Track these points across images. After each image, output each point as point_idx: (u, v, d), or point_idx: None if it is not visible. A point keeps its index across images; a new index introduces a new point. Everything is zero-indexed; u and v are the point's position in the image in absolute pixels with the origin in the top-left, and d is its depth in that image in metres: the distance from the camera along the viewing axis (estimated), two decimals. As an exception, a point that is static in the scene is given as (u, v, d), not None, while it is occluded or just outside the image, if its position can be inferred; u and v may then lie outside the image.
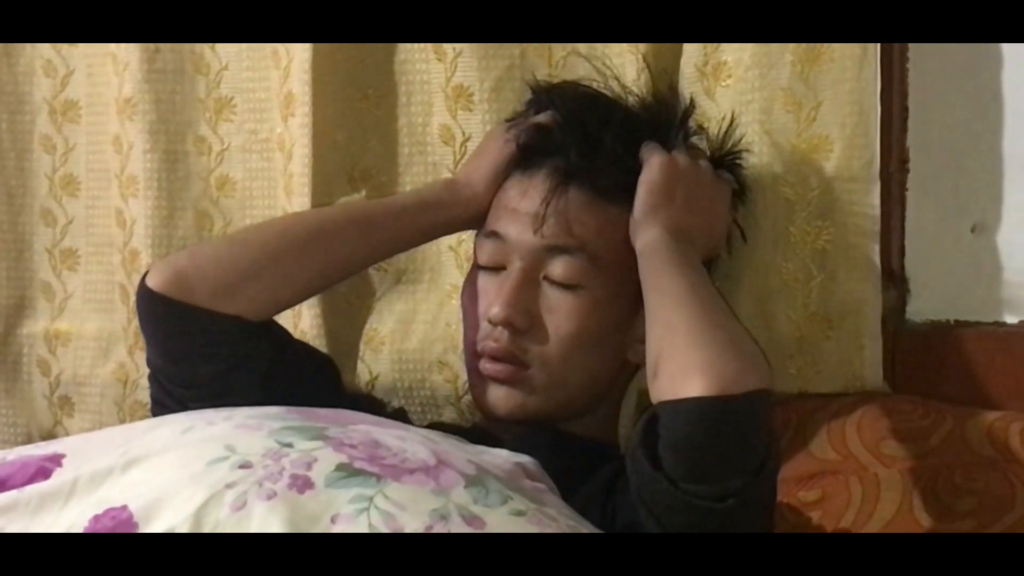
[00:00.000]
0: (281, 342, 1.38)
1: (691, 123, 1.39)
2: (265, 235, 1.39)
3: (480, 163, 1.40)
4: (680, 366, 1.14)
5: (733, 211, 1.41)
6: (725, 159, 1.40)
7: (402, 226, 1.40)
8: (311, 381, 1.36)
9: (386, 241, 1.41)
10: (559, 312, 1.32)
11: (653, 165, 1.32)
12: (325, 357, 1.47)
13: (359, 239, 1.39)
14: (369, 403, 1.42)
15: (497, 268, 1.35)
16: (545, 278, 1.33)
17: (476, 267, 1.39)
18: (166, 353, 1.34)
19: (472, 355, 1.36)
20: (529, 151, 1.37)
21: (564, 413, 1.35)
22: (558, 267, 1.32)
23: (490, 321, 1.33)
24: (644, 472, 1.13)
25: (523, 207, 1.34)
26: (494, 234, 1.36)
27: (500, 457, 1.13)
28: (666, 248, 1.27)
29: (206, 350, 1.32)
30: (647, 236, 1.28)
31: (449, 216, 1.40)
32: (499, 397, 1.34)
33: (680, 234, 1.28)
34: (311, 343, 1.57)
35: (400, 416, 1.45)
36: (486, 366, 1.34)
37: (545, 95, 1.41)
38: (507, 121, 1.44)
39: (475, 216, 1.39)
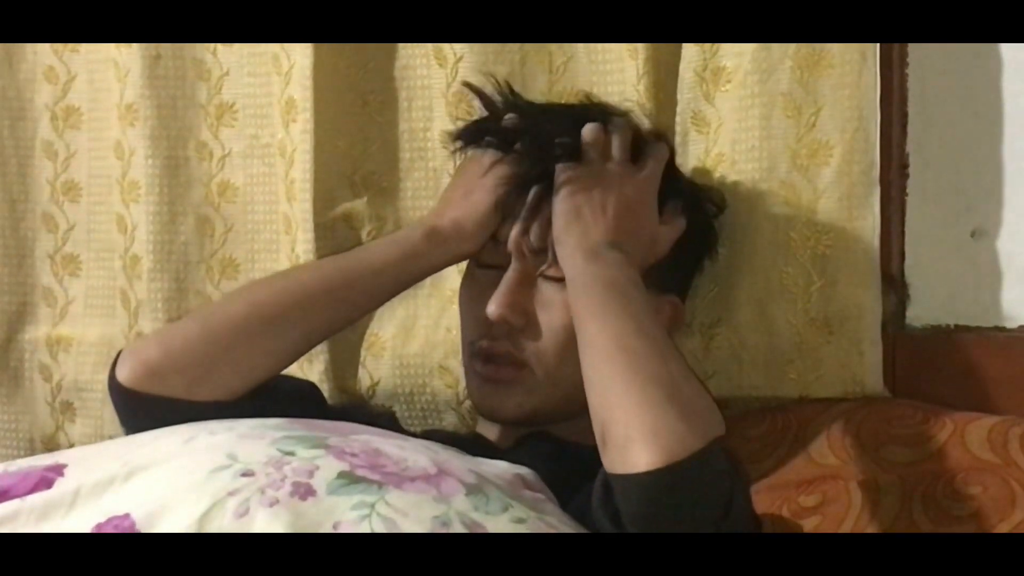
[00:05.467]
0: (260, 395, 1.33)
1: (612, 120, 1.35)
2: (236, 312, 1.32)
3: (469, 209, 1.34)
4: (623, 437, 1.11)
5: (711, 257, 1.43)
6: (702, 206, 1.41)
7: (382, 283, 1.35)
8: (294, 413, 1.28)
9: (366, 301, 1.37)
10: (553, 306, 1.32)
11: (557, 187, 1.30)
12: (306, 384, 1.44)
13: (337, 305, 1.34)
14: (356, 413, 1.41)
15: (495, 267, 1.35)
16: (540, 275, 1.33)
17: (474, 265, 1.39)
18: None
19: (469, 355, 1.37)
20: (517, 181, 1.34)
21: (561, 412, 1.34)
22: (550, 268, 1.33)
23: (487, 319, 1.33)
24: (607, 531, 1.12)
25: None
26: (494, 238, 1.36)
27: (499, 467, 1.14)
28: (584, 278, 1.24)
29: None
30: (566, 266, 1.27)
31: (432, 264, 1.37)
32: (496, 398, 1.35)
33: (598, 252, 1.26)
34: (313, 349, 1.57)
35: (388, 418, 1.46)
36: (483, 367, 1.34)
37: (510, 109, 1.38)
38: (461, 134, 1.40)
39: (462, 259, 1.38)
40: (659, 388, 1.13)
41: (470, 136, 1.38)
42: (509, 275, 1.33)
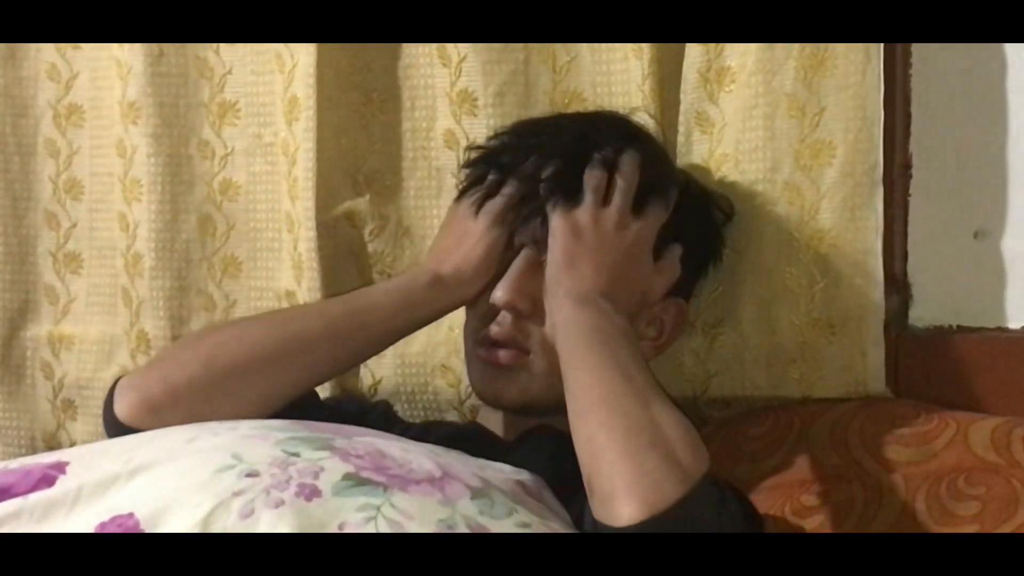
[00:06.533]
0: None
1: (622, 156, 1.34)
2: (241, 352, 1.30)
3: (468, 255, 1.34)
4: (606, 489, 1.10)
5: (716, 263, 1.43)
6: (712, 206, 1.42)
7: (385, 331, 1.35)
8: (289, 412, 1.29)
9: (368, 348, 1.37)
10: None
11: (553, 230, 1.30)
12: None
13: (341, 350, 1.33)
14: (350, 405, 1.42)
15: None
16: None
17: None
18: None
19: (473, 342, 1.37)
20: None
21: (564, 403, 1.34)
22: None
23: (494, 304, 1.33)
24: None
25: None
26: None
27: (503, 472, 1.14)
28: (572, 325, 1.24)
29: None
30: (556, 314, 1.27)
31: (436, 311, 1.37)
32: (499, 383, 1.35)
33: (588, 301, 1.26)
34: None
35: (385, 410, 1.47)
36: (487, 352, 1.35)
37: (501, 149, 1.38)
38: (460, 194, 1.39)
39: (463, 304, 1.37)
40: (640, 437, 1.12)
41: (470, 180, 1.38)
42: (517, 262, 1.34)
